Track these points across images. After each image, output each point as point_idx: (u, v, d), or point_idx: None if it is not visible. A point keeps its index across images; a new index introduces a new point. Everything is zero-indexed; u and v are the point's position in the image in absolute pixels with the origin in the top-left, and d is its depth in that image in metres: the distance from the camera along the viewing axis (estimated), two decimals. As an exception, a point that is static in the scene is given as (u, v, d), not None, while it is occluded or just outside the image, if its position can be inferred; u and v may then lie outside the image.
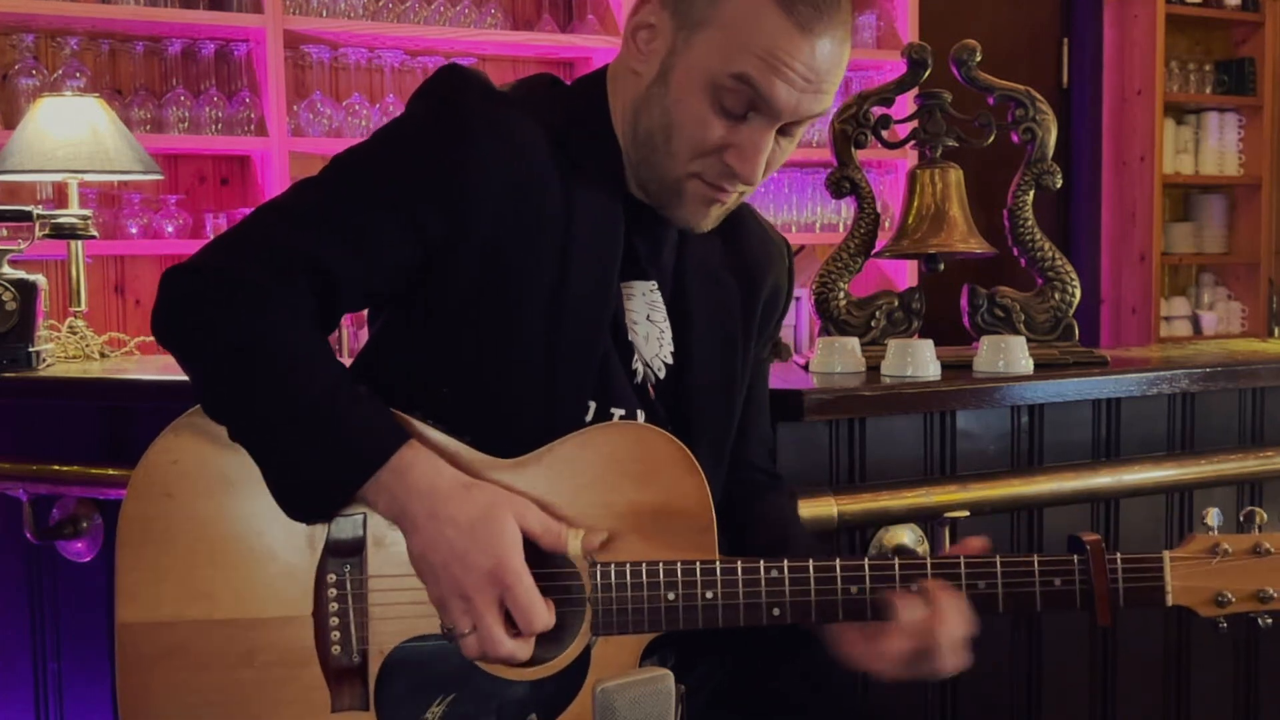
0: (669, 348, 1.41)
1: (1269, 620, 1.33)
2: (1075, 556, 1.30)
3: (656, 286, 1.40)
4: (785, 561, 1.26)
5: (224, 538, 1.25)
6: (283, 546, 1.25)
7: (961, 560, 1.28)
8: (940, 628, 1.25)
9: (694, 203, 1.32)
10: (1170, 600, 1.30)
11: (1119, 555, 1.30)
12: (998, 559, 1.29)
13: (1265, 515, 1.33)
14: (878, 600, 1.27)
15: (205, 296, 1.24)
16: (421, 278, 1.29)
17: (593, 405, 1.33)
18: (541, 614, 1.20)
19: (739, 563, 1.26)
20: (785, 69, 1.23)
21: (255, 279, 1.23)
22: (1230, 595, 1.30)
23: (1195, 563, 1.31)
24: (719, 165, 1.29)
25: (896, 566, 1.28)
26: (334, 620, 1.25)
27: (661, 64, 1.28)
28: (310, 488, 1.22)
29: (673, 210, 1.34)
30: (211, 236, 2.47)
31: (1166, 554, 1.31)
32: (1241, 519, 1.33)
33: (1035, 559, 1.29)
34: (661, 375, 1.40)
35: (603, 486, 1.26)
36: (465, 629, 1.19)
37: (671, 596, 1.25)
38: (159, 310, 1.27)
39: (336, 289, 1.26)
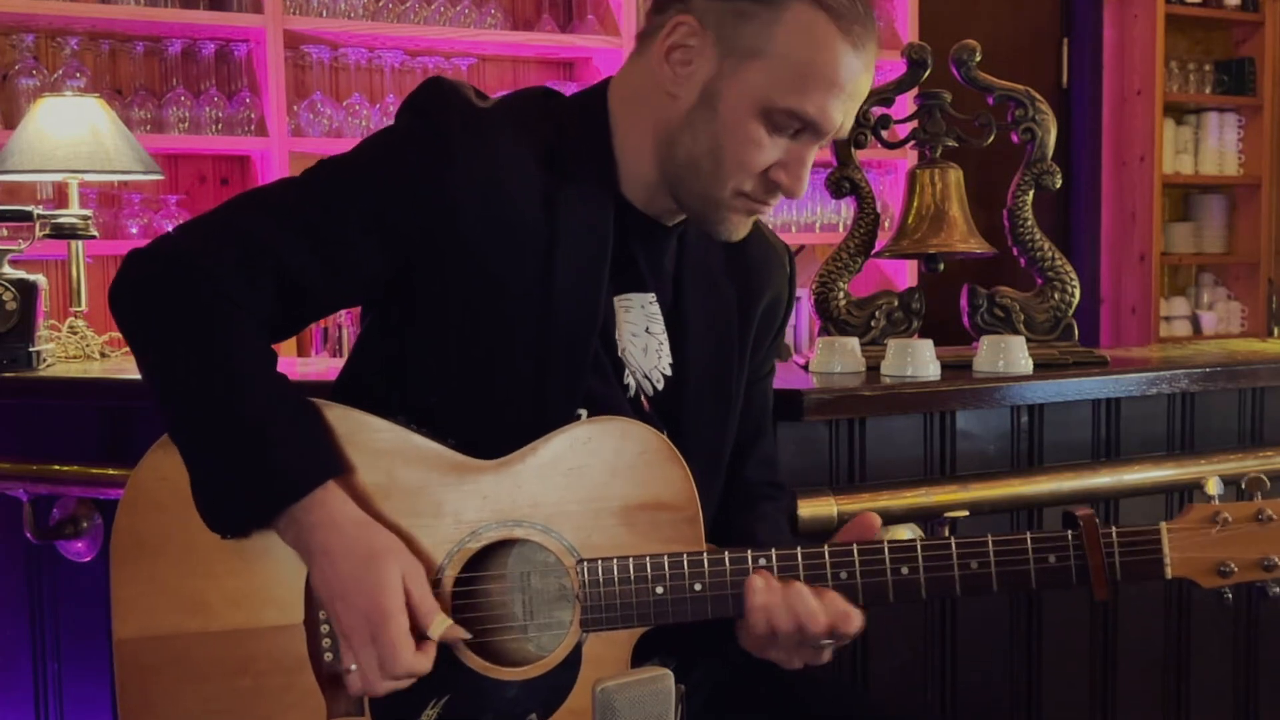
0: (667, 360, 1.40)
1: (1278, 589, 1.30)
2: (1069, 532, 1.28)
3: (655, 299, 1.40)
4: (773, 551, 1.27)
5: (216, 549, 1.26)
6: (273, 556, 1.25)
7: (953, 541, 1.28)
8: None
9: (736, 216, 1.34)
10: (1170, 572, 1.28)
11: (1114, 529, 1.28)
12: (989, 538, 1.28)
13: (1268, 482, 1.30)
14: (878, 586, 1.27)
15: (170, 285, 1.25)
16: (401, 286, 1.30)
17: (583, 414, 1.32)
18: (404, 660, 1.19)
19: (726, 554, 1.26)
20: (840, 90, 1.27)
21: (221, 279, 1.23)
22: (1233, 565, 1.28)
23: (1194, 533, 1.28)
24: (764, 181, 1.31)
25: (886, 551, 1.28)
26: (325, 628, 1.26)
27: (704, 89, 1.28)
28: (225, 506, 1.23)
29: (712, 225, 1.35)
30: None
31: (1164, 525, 1.28)
32: (1244, 486, 1.30)
33: (1028, 536, 1.28)
34: (660, 387, 1.40)
35: (588, 482, 1.26)
36: (349, 665, 1.21)
37: (660, 590, 1.25)
38: (121, 289, 1.27)
39: (302, 294, 1.27)
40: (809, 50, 1.25)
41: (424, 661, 1.21)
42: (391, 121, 1.35)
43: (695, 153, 1.30)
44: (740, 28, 1.26)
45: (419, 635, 1.21)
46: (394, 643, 1.19)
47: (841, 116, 1.29)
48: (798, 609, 1.24)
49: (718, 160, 1.29)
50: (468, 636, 1.24)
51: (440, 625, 1.21)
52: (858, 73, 1.27)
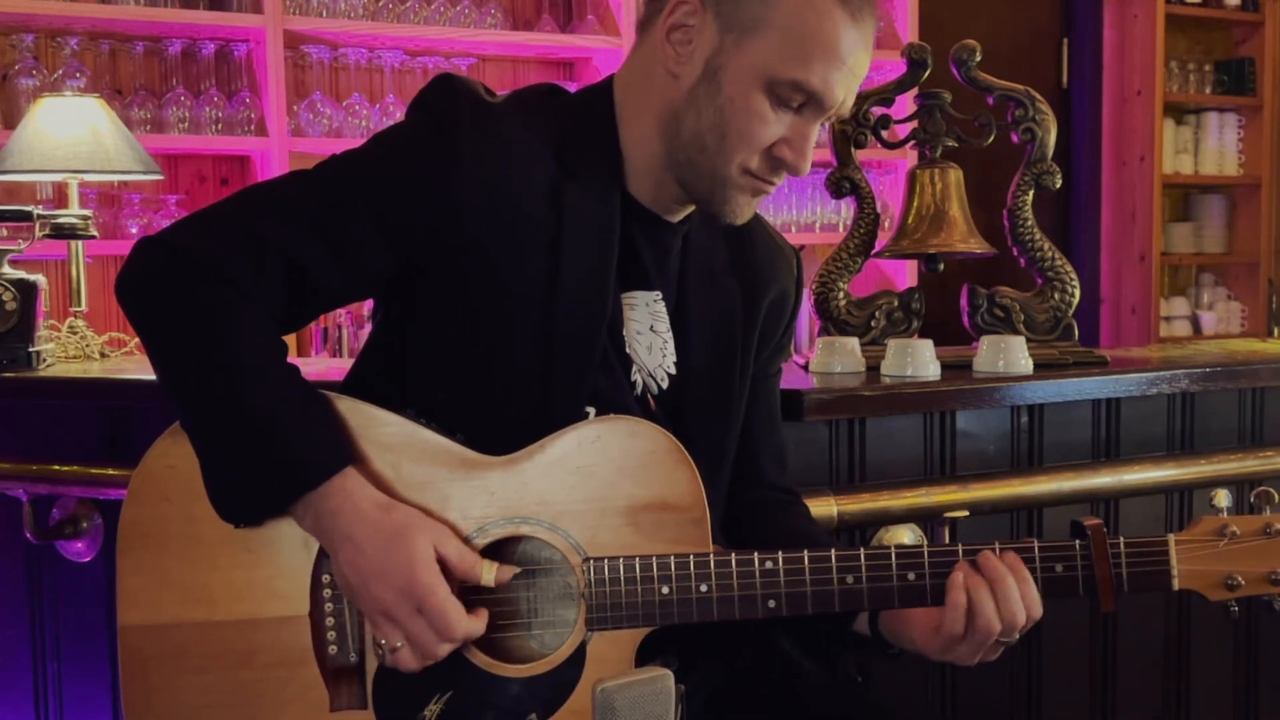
0: (672, 358, 1.40)
1: None
2: (1077, 542, 1.29)
3: (660, 297, 1.40)
4: (780, 553, 1.27)
5: (222, 540, 1.26)
6: (279, 548, 1.26)
7: (960, 548, 1.28)
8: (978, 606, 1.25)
9: (741, 196, 1.33)
10: (1176, 584, 1.28)
11: (1122, 540, 1.28)
12: (996, 546, 1.28)
13: (1277, 495, 1.30)
14: (884, 591, 1.27)
15: (176, 278, 1.25)
16: (407, 282, 1.30)
17: (591, 412, 1.33)
18: (459, 622, 1.20)
19: (733, 555, 1.26)
20: (841, 62, 1.27)
21: (228, 269, 1.23)
22: (1240, 578, 1.28)
23: (1202, 545, 1.28)
24: (768, 158, 1.31)
25: (893, 556, 1.28)
26: (330, 620, 1.26)
27: (707, 65, 1.29)
28: (240, 497, 1.24)
29: (718, 205, 1.34)
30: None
31: (1171, 537, 1.29)
32: (1253, 499, 1.30)
33: (1035, 544, 1.29)
34: (665, 386, 1.40)
35: (596, 480, 1.26)
36: (396, 643, 1.20)
37: (666, 590, 1.25)
38: (128, 278, 1.27)
39: (309, 286, 1.27)
40: (810, 21, 1.25)
41: (478, 624, 1.22)
42: (391, 121, 1.35)
43: (700, 129, 1.30)
44: (740, 2, 1.27)
45: (466, 599, 1.21)
46: (442, 608, 1.19)
47: (843, 92, 1.29)
48: (1012, 605, 1.25)
49: (722, 135, 1.29)
50: (518, 571, 1.24)
51: (490, 571, 1.22)
52: (857, 46, 1.28)
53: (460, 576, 1.22)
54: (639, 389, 1.38)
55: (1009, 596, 1.25)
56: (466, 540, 1.25)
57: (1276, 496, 1.30)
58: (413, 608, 1.19)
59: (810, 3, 1.25)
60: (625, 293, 1.37)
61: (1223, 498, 1.30)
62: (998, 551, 1.28)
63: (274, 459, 1.21)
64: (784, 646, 1.48)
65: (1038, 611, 1.27)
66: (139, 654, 1.26)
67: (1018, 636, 1.27)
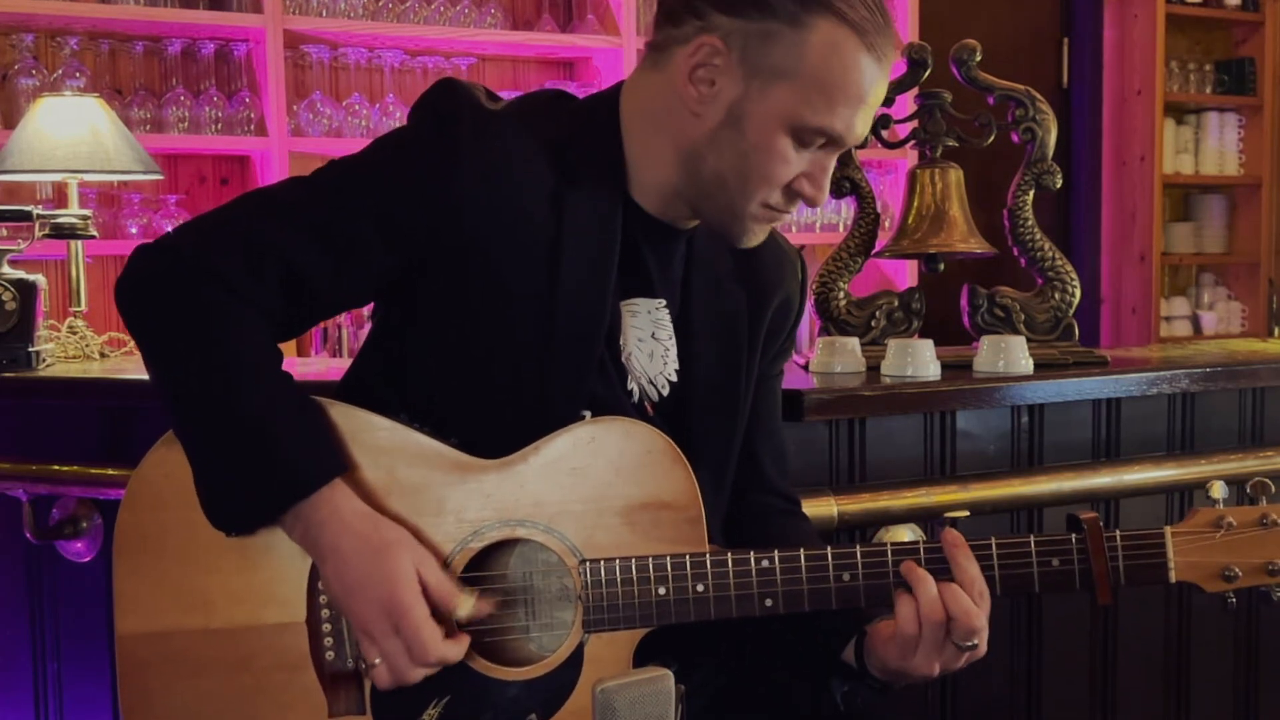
0: (674, 365, 1.40)
1: None
2: (1073, 535, 1.28)
3: (664, 304, 1.40)
4: (776, 552, 1.27)
5: (218, 546, 1.25)
6: (276, 554, 1.25)
7: None
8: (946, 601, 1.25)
9: (758, 226, 1.35)
10: (1173, 577, 1.28)
11: (1118, 533, 1.28)
12: (993, 540, 1.28)
13: (1273, 486, 1.30)
14: (880, 588, 1.27)
15: (175, 281, 1.25)
16: (407, 284, 1.30)
17: (587, 415, 1.32)
18: (433, 645, 1.19)
19: (729, 554, 1.26)
20: (864, 103, 1.28)
21: (227, 273, 1.23)
22: (1237, 569, 1.27)
23: (1198, 537, 1.28)
24: (787, 192, 1.32)
25: (889, 553, 1.28)
26: (327, 626, 1.26)
27: (730, 109, 1.28)
28: (231, 504, 1.23)
29: (735, 236, 1.35)
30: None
31: (1168, 529, 1.28)
32: (1249, 490, 1.30)
33: (1032, 539, 1.29)
34: (665, 393, 1.40)
35: (591, 481, 1.26)
36: (372, 660, 1.20)
37: (662, 591, 1.25)
38: (126, 282, 1.27)
39: (308, 292, 1.27)
40: (837, 70, 1.25)
41: (456, 649, 1.21)
42: (391, 121, 1.35)
43: (721, 169, 1.30)
44: (766, 48, 1.25)
45: (443, 622, 1.21)
46: (418, 631, 1.19)
47: (864, 128, 1.31)
48: (951, 605, 1.25)
49: (745, 177, 1.29)
50: (492, 610, 1.24)
51: (466, 605, 1.22)
52: (877, 82, 1.28)
53: (436, 604, 1.21)
54: (636, 397, 1.38)
55: (951, 589, 1.25)
56: (447, 560, 1.24)
57: (1273, 487, 1.30)
58: (390, 626, 1.19)
59: (837, 50, 1.24)
60: (628, 299, 1.37)
61: (1218, 489, 1.29)
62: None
63: (264, 468, 1.21)
64: (776, 668, 1.48)
65: (982, 588, 1.27)
66: (136, 660, 1.26)
67: (977, 642, 1.27)
